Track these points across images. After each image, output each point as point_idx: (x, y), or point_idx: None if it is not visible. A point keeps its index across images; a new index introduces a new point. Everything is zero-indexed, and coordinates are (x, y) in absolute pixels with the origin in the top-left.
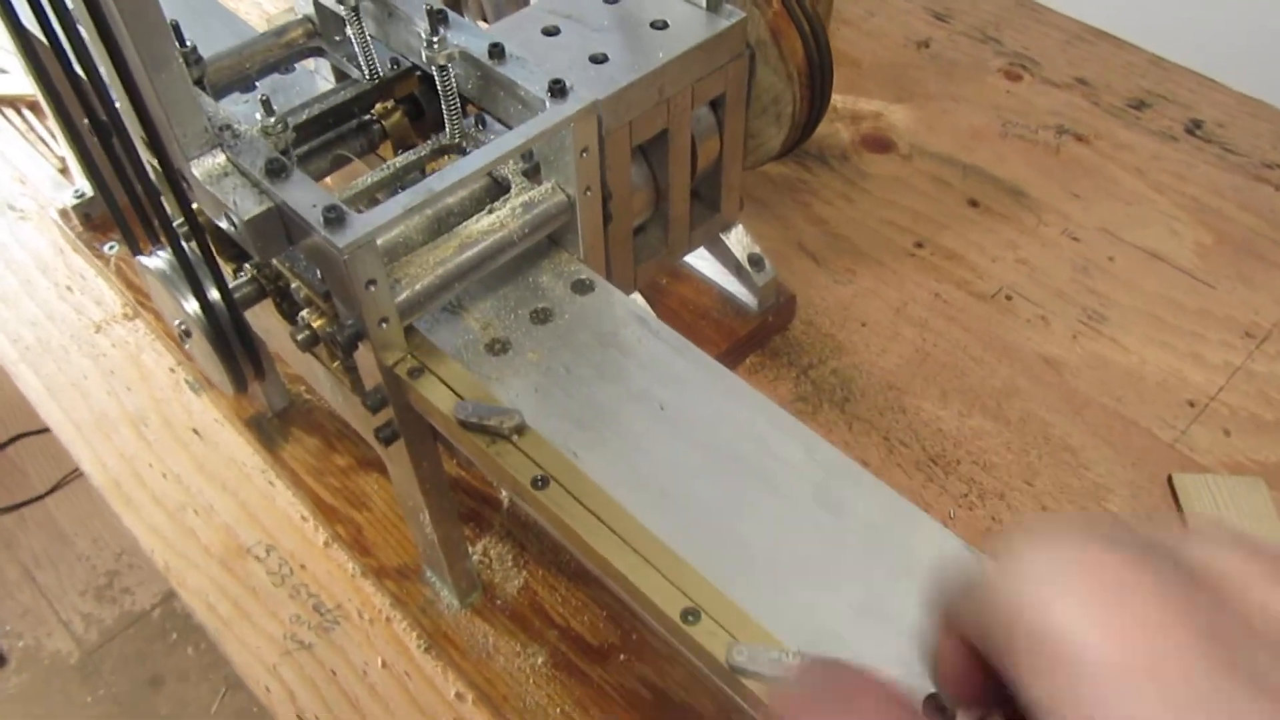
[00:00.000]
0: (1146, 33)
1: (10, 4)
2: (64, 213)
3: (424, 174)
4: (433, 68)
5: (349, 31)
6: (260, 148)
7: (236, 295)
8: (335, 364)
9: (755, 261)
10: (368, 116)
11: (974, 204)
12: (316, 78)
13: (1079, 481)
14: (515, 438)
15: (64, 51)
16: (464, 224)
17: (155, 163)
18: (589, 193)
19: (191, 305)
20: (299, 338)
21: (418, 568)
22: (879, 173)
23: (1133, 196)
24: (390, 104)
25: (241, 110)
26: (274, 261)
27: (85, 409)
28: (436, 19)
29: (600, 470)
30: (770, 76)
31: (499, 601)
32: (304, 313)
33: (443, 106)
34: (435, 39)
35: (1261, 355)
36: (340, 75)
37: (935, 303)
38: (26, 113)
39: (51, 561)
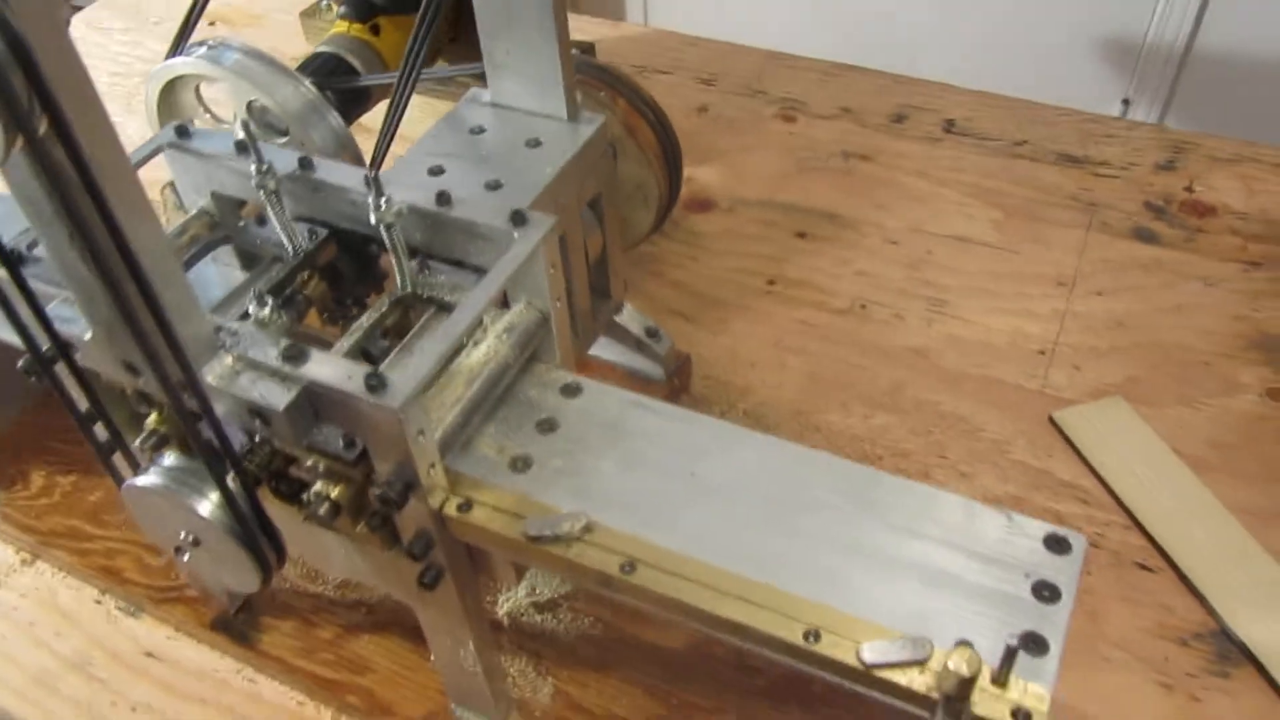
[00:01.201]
0: (884, 57)
1: None
2: None
3: (386, 331)
4: (381, 227)
5: (269, 213)
6: (260, 339)
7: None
8: (358, 528)
9: (652, 333)
10: (288, 291)
11: (801, 235)
12: (207, 268)
13: (980, 444)
14: (587, 536)
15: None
16: (457, 360)
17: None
18: (559, 303)
19: (207, 504)
20: (320, 512)
21: (443, 710)
22: (710, 229)
23: (924, 195)
24: (307, 274)
25: None
26: (271, 446)
27: (16, 670)
28: (378, 181)
29: (670, 541)
30: (632, 166)
31: (537, 713)
32: (318, 487)
33: (393, 261)
34: (383, 199)
35: (1077, 297)
36: (246, 258)
37: (804, 329)
38: None
39: None
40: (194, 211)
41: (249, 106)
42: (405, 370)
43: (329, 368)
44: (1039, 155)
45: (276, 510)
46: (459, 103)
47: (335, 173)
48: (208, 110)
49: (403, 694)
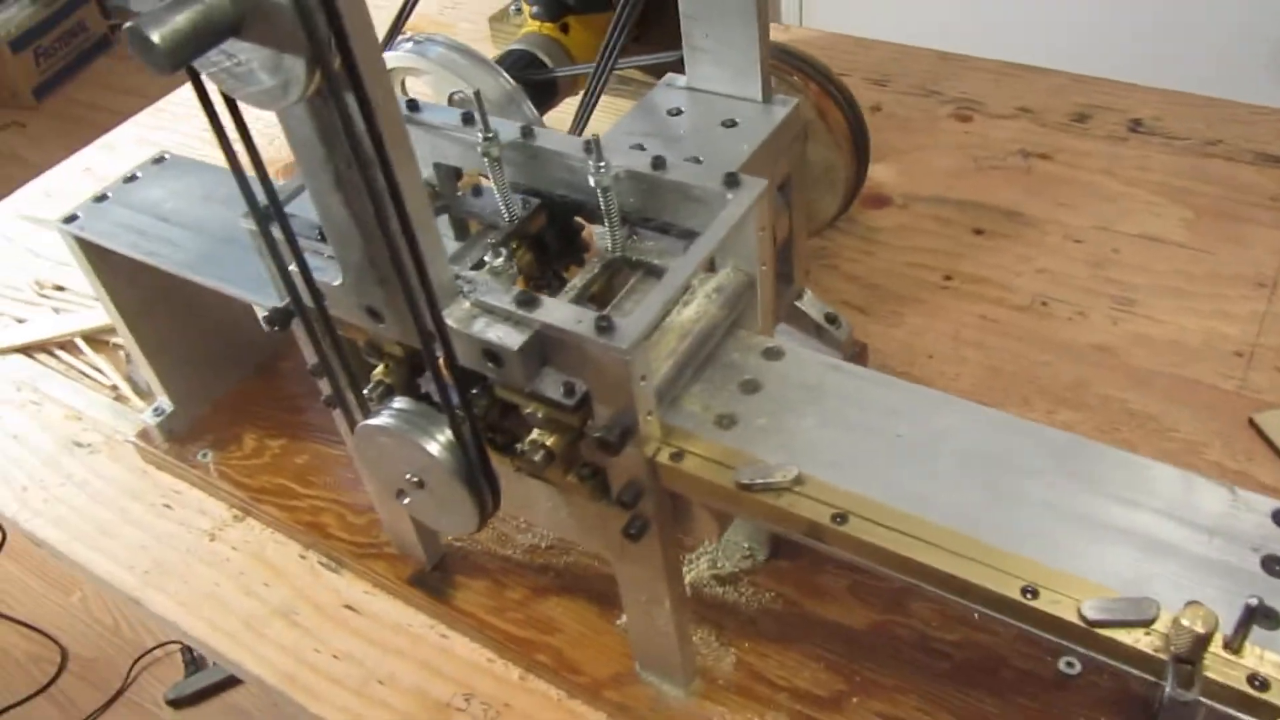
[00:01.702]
0: (1061, 57)
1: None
2: (144, 434)
3: (593, 296)
4: (598, 190)
5: (490, 179)
6: (494, 286)
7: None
8: (568, 476)
9: (832, 319)
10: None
11: (979, 232)
12: None
13: (1172, 444)
14: (797, 487)
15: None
16: (669, 317)
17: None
18: (764, 267)
19: (436, 445)
20: (535, 458)
21: (629, 673)
22: (886, 225)
23: (1111, 194)
24: (516, 243)
25: None
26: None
27: (229, 615)
28: (598, 145)
29: (880, 496)
30: (820, 150)
31: (720, 681)
32: (534, 435)
33: (606, 225)
34: (601, 164)
35: (1279, 298)
36: (459, 226)
37: (983, 323)
38: (61, 353)
39: None
40: None
41: (450, 97)
42: (631, 316)
43: (560, 312)
44: (1234, 154)
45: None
46: (654, 88)
47: (554, 140)
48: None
49: (589, 655)
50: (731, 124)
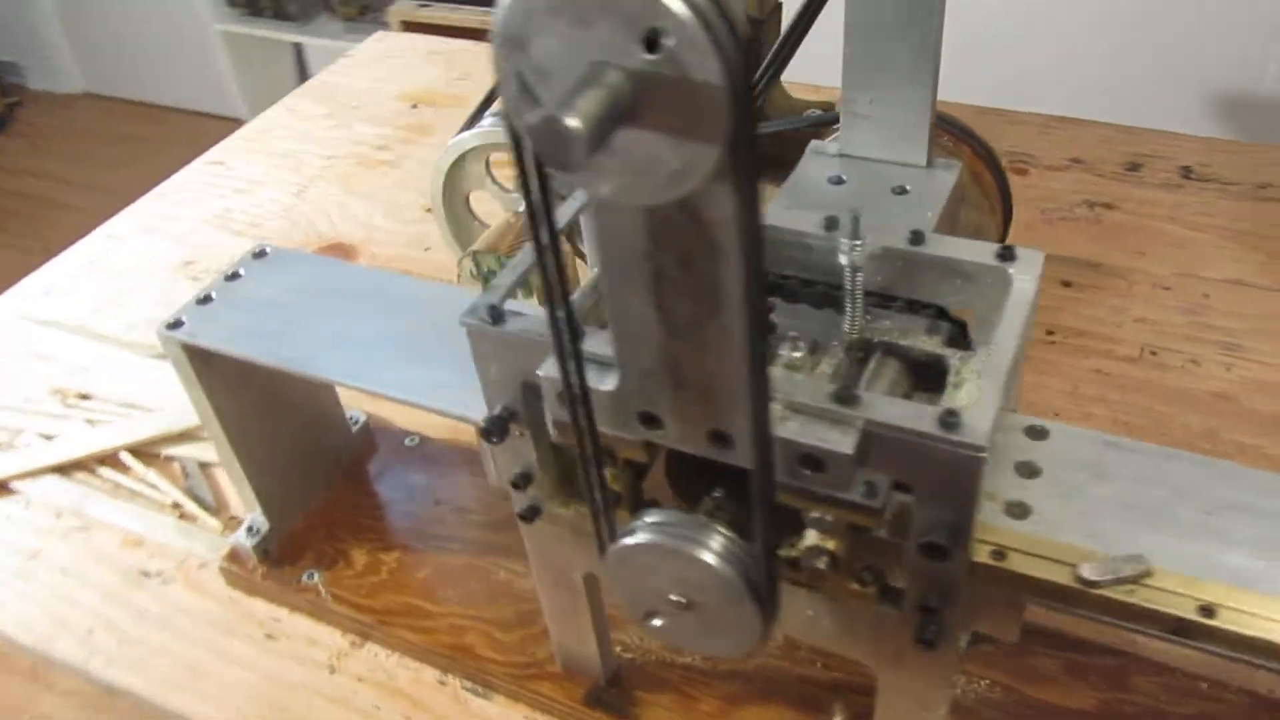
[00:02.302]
0: (1105, 109)
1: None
2: (233, 556)
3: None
4: (849, 270)
5: None
6: (802, 383)
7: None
8: (849, 583)
9: None
10: None
11: (1067, 284)
12: None
13: None
14: (1149, 582)
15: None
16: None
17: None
18: (1026, 339)
19: (716, 559)
20: (819, 566)
21: None
22: None
23: (1183, 241)
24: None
25: None
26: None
27: None
28: (857, 220)
29: (1236, 580)
30: (972, 213)
31: None
32: (812, 540)
33: (849, 306)
34: (858, 241)
35: None
36: None
37: (1099, 377)
38: (105, 471)
39: None
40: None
41: None
42: (972, 409)
43: (892, 408)
44: None
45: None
46: (804, 158)
47: (788, 218)
48: (495, 180)
49: None
50: (902, 191)
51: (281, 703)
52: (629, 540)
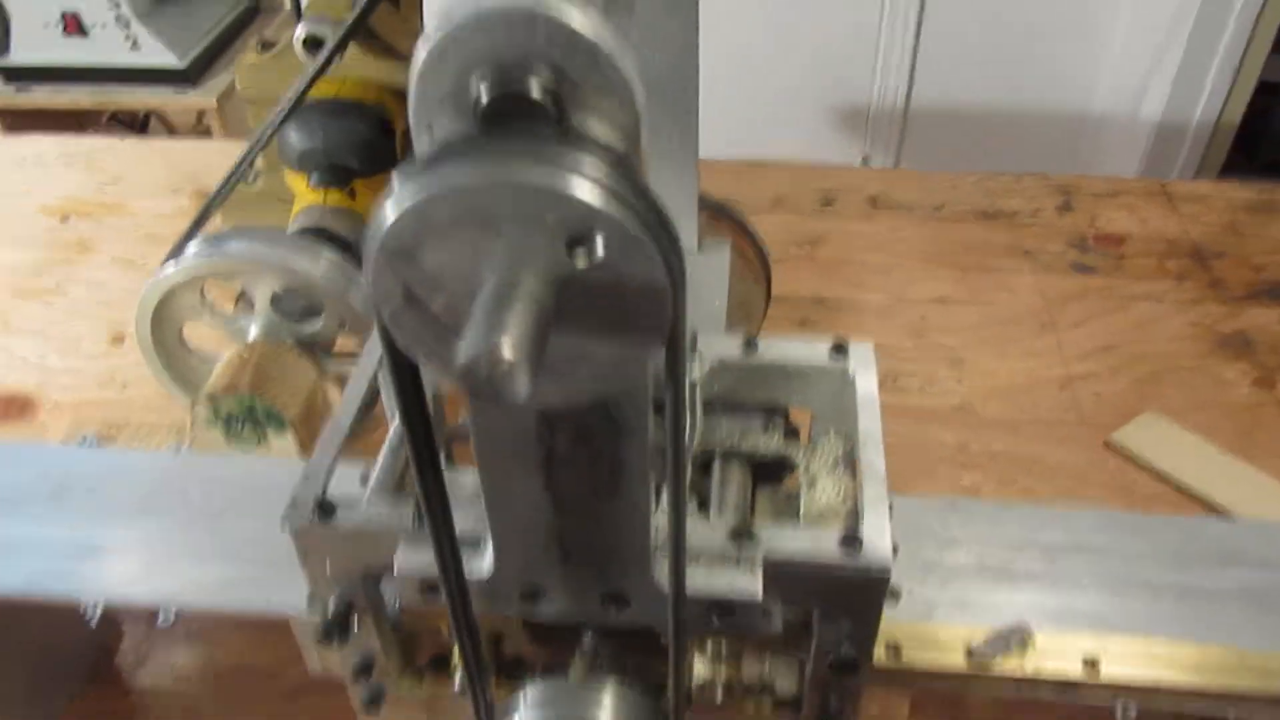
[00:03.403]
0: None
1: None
2: None
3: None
4: (690, 386)
5: None
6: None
7: None
8: (746, 704)
9: None
10: None
11: (804, 323)
12: None
13: (1068, 480)
14: (1031, 642)
15: None
16: (804, 505)
17: None
18: None
19: None
20: (714, 699)
21: None
22: None
23: (888, 267)
24: None
25: None
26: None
27: None
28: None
29: (1105, 626)
30: (740, 286)
31: None
32: (703, 672)
33: (687, 421)
34: (695, 357)
35: (1064, 332)
36: None
37: None
38: None
39: None
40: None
41: (274, 296)
42: (867, 525)
43: (792, 540)
44: (960, 216)
45: None
46: None
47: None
48: (213, 310)
49: None
50: None
51: None
52: None
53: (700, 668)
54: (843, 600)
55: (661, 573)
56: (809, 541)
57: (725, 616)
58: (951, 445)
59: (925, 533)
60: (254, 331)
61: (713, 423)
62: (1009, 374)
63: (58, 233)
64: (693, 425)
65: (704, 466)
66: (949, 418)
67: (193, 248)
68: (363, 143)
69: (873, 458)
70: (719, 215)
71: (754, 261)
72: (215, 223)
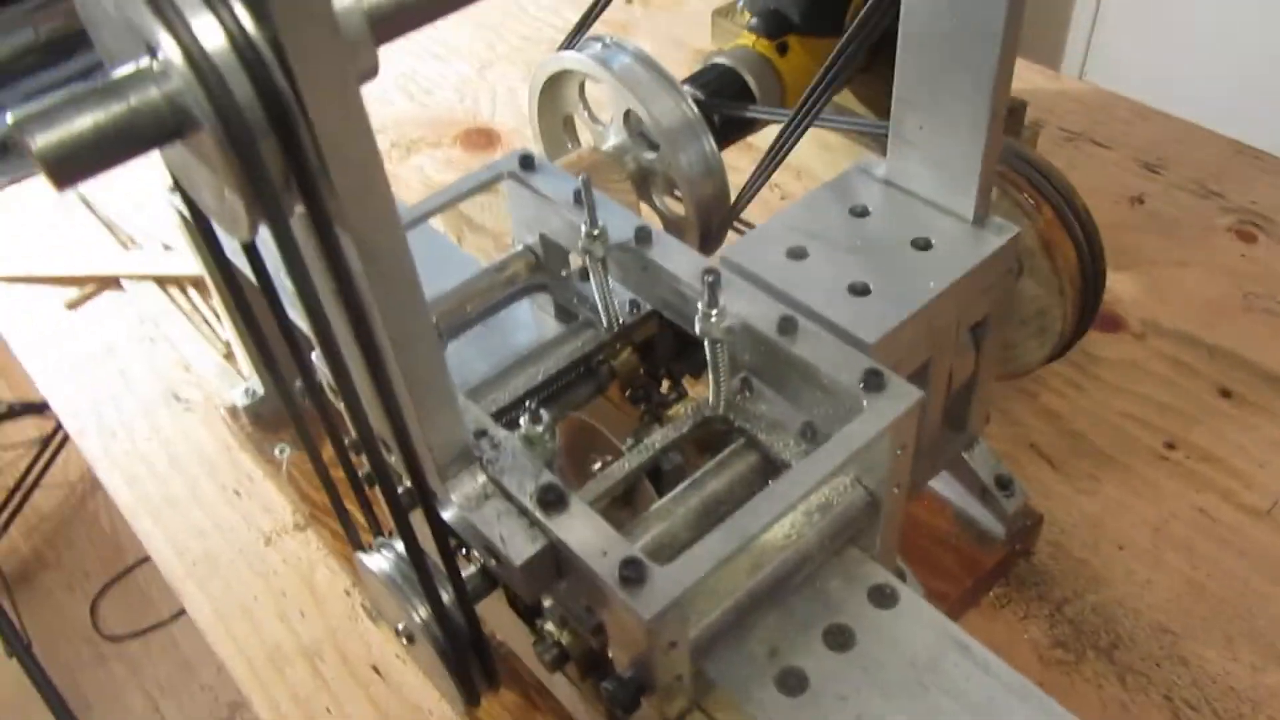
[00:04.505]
0: None
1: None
2: (232, 411)
3: (680, 454)
4: (705, 341)
5: (592, 280)
6: (524, 462)
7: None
8: (586, 682)
9: (1004, 484)
10: (594, 362)
11: (1226, 394)
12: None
13: None
14: None
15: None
16: (752, 538)
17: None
18: (897, 490)
19: (420, 614)
20: (546, 658)
21: None
22: (1110, 356)
23: None
24: (621, 343)
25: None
26: None
27: (258, 640)
28: (715, 286)
29: None
30: (1036, 289)
31: None
32: (550, 628)
33: (711, 378)
34: (714, 311)
35: None
36: (562, 311)
37: (1201, 520)
38: (191, 292)
39: (175, 690)
40: (520, 248)
41: (626, 115)
42: (672, 566)
43: (585, 531)
44: None
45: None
46: (845, 171)
47: (672, 256)
48: (587, 109)
49: None
50: (925, 245)
51: (217, 558)
52: (364, 559)
53: (552, 625)
54: (616, 625)
55: (462, 484)
56: (601, 545)
57: (499, 562)
58: None
59: (907, 661)
60: (608, 140)
61: (761, 398)
62: None
63: (619, 10)
64: (716, 386)
65: (722, 436)
66: None
67: (589, 45)
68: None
69: (764, 510)
70: (1048, 200)
71: (1071, 271)
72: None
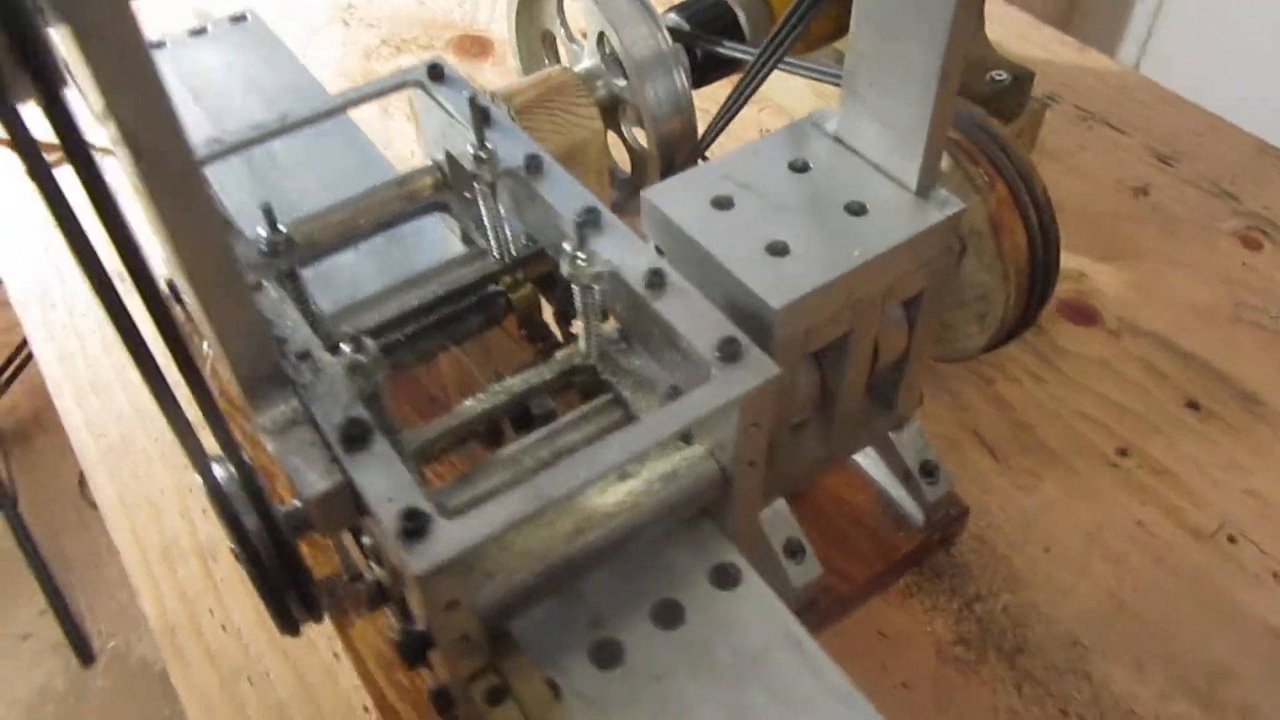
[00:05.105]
0: None
1: None
2: (171, 285)
3: (552, 399)
4: (572, 285)
5: (481, 206)
6: (339, 392)
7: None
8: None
9: (928, 470)
10: (493, 288)
11: (1193, 406)
12: (434, 223)
13: None
14: None
15: None
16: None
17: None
18: (753, 466)
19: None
20: (364, 596)
21: None
22: (1078, 350)
23: None
24: (519, 275)
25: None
26: None
27: (156, 533)
28: (586, 228)
29: None
30: (981, 273)
31: None
32: (356, 555)
33: (579, 324)
34: (582, 255)
35: None
36: (465, 234)
37: (1138, 533)
38: None
39: None
40: (430, 163)
41: (600, 38)
42: (458, 523)
43: (379, 473)
44: None
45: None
46: (797, 121)
47: (557, 189)
48: (564, 26)
49: None
50: (859, 210)
51: (130, 442)
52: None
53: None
54: (398, 579)
55: (272, 405)
56: (386, 492)
57: (296, 496)
58: (1212, 664)
59: (734, 647)
60: (581, 62)
61: (636, 353)
62: None
63: None
64: (585, 333)
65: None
66: (1254, 633)
67: None
68: None
69: (580, 471)
70: (1003, 176)
71: (1019, 258)
72: None
